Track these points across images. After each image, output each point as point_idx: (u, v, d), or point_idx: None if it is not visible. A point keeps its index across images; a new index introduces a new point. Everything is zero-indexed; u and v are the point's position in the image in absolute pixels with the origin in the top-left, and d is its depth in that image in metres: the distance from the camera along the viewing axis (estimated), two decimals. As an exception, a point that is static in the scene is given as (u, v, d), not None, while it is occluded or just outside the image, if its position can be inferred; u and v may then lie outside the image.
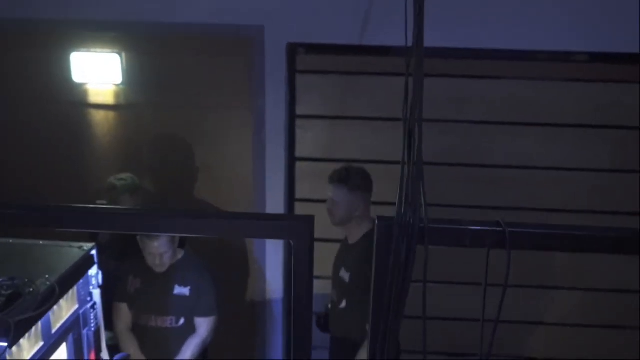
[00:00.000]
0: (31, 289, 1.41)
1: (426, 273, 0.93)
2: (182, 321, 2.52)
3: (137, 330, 2.58)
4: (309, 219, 0.94)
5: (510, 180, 3.00)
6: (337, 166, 3.02)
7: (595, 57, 2.81)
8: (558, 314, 3.10)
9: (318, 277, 3.15)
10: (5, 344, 1.26)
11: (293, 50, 2.90)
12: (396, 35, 2.73)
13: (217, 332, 2.63)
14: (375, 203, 2.96)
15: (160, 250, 2.40)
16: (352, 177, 2.39)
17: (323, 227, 2.67)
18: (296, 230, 0.93)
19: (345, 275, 2.44)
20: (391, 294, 0.95)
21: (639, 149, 2.88)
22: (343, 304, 2.44)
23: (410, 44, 1.35)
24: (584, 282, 3.06)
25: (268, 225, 0.95)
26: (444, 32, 2.66)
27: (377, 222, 0.93)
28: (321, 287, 3.13)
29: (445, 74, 2.80)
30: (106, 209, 1.06)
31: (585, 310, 3.13)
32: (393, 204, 2.79)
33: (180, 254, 2.56)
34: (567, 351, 3.14)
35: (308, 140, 3.05)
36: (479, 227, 0.93)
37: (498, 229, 0.92)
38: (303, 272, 0.96)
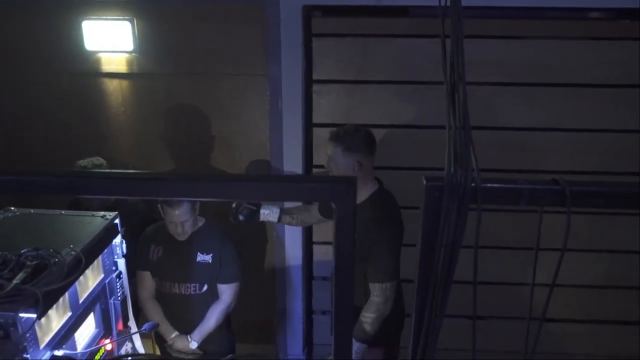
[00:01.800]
0: (57, 260, 1.39)
1: (478, 234, 0.88)
2: (205, 288, 2.52)
3: (161, 297, 2.59)
4: (352, 180, 0.89)
5: (534, 143, 2.93)
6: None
7: (622, 14, 2.69)
8: (577, 276, 3.07)
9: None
10: (34, 315, 1.24)
11: (308, 13, 2.82)
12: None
13: (239, 298, 2.62)
14: (396, 168, 2.92)
15: (181, 219, 2.38)
16: (348, 137, 2.31)
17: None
18: (339, 192, 0.87)
19: None
20: (440, 259, 0.90)
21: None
22: None
23: (443, 2, 1.27)
24: (604, 244, 3.04)
25: (311, 188, 0.90)
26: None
27: (425, 182, 0.88)
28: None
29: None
30: (137, 174, 1.01)
31: (604, 272, 3.12)
32: (416, 168, 2.74)
33: (201, 222, 2.55)
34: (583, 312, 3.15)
35: (325, 106, 2.99)
36: (535, 186, 0.88)
37: (556, 187, 0.86)
38: (345, 234, 0.92)
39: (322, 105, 2.98)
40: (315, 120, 3.00)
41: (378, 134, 2.96)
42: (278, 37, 2.82)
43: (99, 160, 2.73)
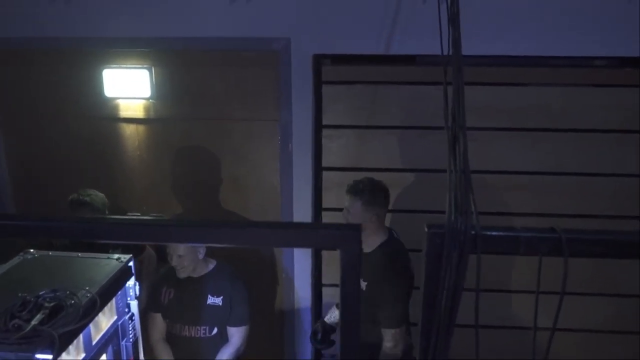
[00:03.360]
0: (73, 301, 1.43)
1: (479, 281, 0.91)
2: (215, 331, 2.53)
3: (171, 340, 2.61)
4: (357, 228, 0.93)
5: (536, 186, 2.96)
6: (363, 175, 3.03)
7: (625, 62, 2.77)
8: (584, 320, 3.05)
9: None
10: (50, 356, 1.27)
11: (319, 61, 2.93)
12: (420, 45, 2.76)
13: (248, 341, 2.63)
14: (405, 211, 2.97)
15: (177, 252, 2.45)
16: (367, 191, 2.44)
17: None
18: (345, 239, 0.92)
19: (362, 284, 2.45)
20: (442, 303, 0.94)
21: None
22: None
23: (445, 52, 1.35)
24: (609, 288, 3.03)
25: (317, 235, 0.94)
26: (467, 40, 2.66)
27: (427, 229, 0.92)
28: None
29: (466, 82, 2.78)
30: (151, 221, 1.06)
31: (610, 316, 3.10)
32: (422, 211, 2.79)
33: (212, 265, 2.58)
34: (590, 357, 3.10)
35: (334, 150, 3.06)
36: (533, 234, 0.92)
37: (553, 235, 0.90)
38: (351, 280, 0.96)
39: (332, 150, 3.05)
40: (325, 164, 3.07)
41: (385, 177, 3.02)
42: (289, 83, 2.93)
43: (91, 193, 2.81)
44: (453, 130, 1.12)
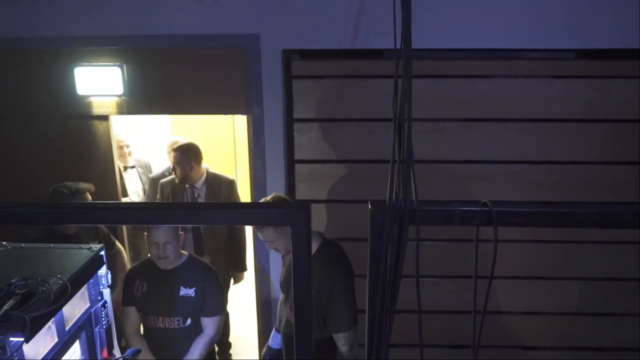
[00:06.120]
0: (44, 288, 1.48)
1: (418, 253, 0.99)
2: (189, 321, 2.58)
3: (146, 332, 2.65)
4: (306, 205, 1.01)
5: (500, 175, 3.07)
6: (335, 167, 3.10)
7: (581, 54, 2.90)
8: (551, 303, 3.18)
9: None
10: (22, 339, 1.32)
11: (288, 56, 3.00)
12: (387, 39, 2.84)
13: (223, 330, 2.68)
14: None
15: (163, 239, 2.45)
16: None
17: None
18: (295, 216, 0.99)
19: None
20: (386, 276, 1.01)
21: (626, 141, 2.97)
22: None
23: (399, 46, 1.42)
24: (575, 272, 3.17)
25: (268, 213, 1.01)
26: (432, 33, 2.77)
27: (370, 206, 1.00)
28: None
29: (432, 74, 2.90)
30: (114, 204, 1.13)
31: (576, 299, 3.22)
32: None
33: (184, 257, 2.62)
34: (559, 339, 3.23)
35: (306, 143, 3.13)
36: (467, 208, 1.00)
37: (485, 208, 0.98)
38: (302, 256, 1.03)
39: (303, 143, 3.12)
40: (297, 157, 3.14)
41: (354, 168, 3.11)
42: (259, 79, 3.00)
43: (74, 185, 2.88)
44: (399, 121, 1.20)
